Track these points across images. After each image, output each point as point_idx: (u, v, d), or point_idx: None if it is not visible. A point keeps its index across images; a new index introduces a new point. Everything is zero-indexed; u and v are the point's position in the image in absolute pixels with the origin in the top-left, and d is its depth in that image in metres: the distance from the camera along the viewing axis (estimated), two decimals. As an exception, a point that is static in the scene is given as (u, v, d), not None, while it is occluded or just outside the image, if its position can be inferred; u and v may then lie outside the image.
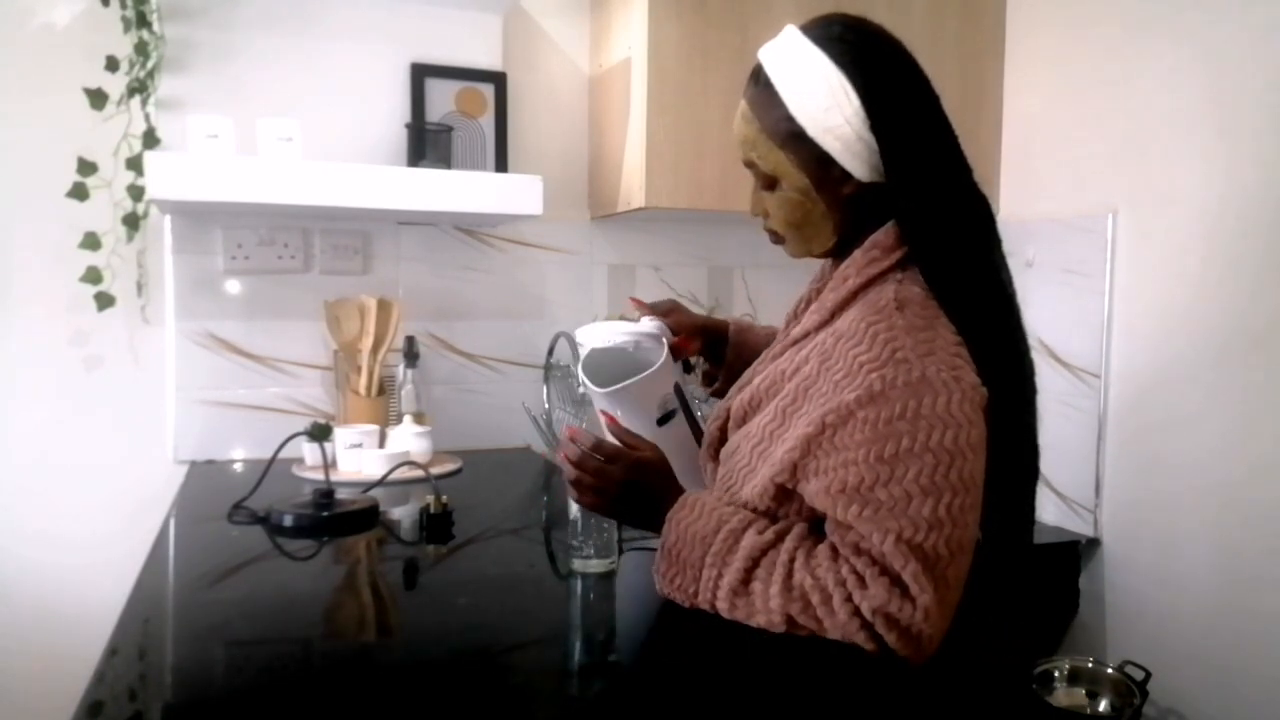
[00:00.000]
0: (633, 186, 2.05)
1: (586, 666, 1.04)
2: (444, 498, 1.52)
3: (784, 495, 1.00)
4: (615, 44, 2.14)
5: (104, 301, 1.89)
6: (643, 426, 1.17)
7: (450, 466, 1.94)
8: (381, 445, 1.92)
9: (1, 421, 1.92)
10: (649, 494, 1.07)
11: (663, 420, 1.19)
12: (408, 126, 2.01)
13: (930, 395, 0.90)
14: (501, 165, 2.12)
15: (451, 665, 1.01)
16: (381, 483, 1.72)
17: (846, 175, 1.02)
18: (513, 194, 1.92)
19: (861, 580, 0.92)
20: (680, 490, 1.08)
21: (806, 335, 1.07)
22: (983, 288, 1.01)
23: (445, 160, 1.97)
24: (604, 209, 2.23)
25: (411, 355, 2.03)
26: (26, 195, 1.89)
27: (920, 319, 0.96)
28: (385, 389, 2.01)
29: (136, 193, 1.88)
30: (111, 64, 1.82)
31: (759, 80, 1.05)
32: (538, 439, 2.22)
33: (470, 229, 2.21)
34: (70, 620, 1.89)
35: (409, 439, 1.91)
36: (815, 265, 1.20)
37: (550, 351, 2.19)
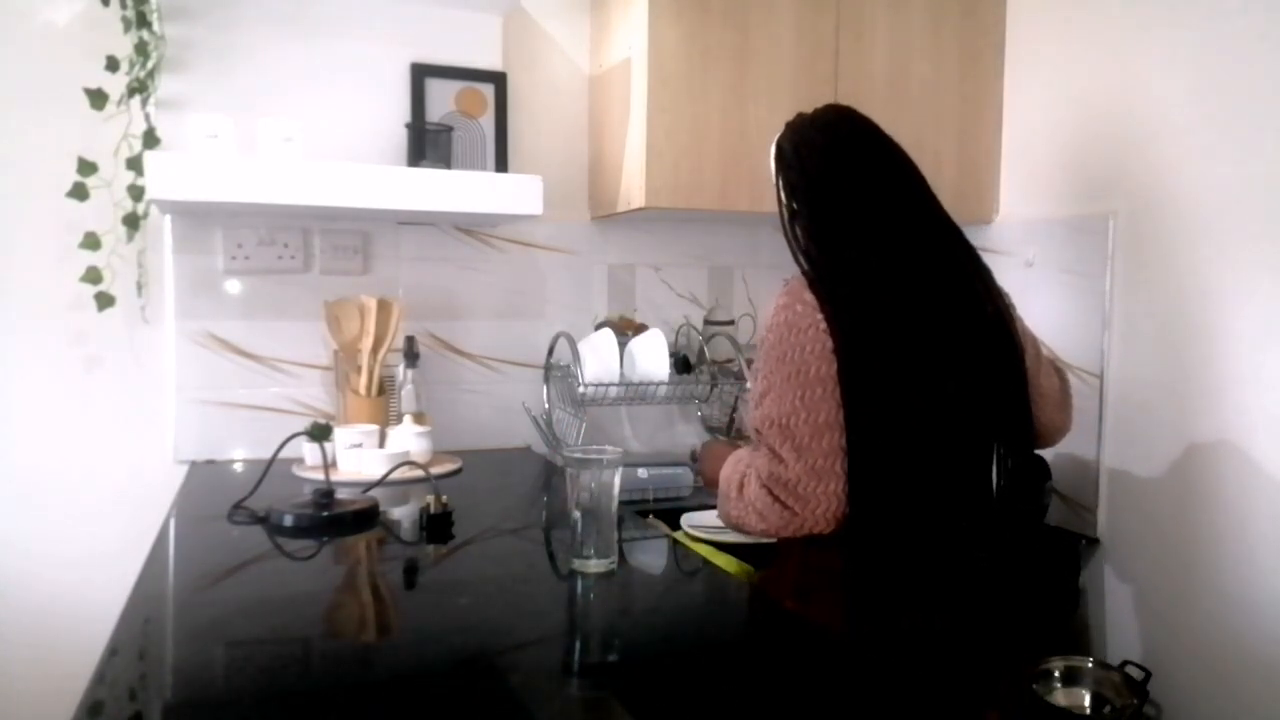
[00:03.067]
0: (633, 186, 2.05)
1: (586, 666, 1.04)
2: (444, 498, 1.52)
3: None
4: (615, 44, 2.14)
5: (104, 301, 1.89)
6: None
7: (450, 466, 1.94)
8: (381, 445, 1.92)
9: (1, 421, 1.92)
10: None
11: None
12: (408, 126, 2.01)
13: (781, 332, 1.29)
14: (501, 165, 2.12)
15: (451, 665, 1.01)
16: (381, 483, 1.71)
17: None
18: (513, 194, 1.92)
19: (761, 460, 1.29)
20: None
21: None
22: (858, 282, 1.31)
23: (445, 160, 1.97)
24: (604, 209, 2.23)
25: (411, 355, 2.03)
26: (26, 195, 1.89)
27: (792, 291, 1.31)
28: (385, 389, 2.01)
29: (136, 193, 1.88)
30: (111, 64, 1.82)
31: None
32: (538, 439, 2.22)
33: (470, 229, 2.21)
34: (70, 620, 1.90)
35: (409, 439, 1.91)
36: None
37: (550, 351, 2.19)
